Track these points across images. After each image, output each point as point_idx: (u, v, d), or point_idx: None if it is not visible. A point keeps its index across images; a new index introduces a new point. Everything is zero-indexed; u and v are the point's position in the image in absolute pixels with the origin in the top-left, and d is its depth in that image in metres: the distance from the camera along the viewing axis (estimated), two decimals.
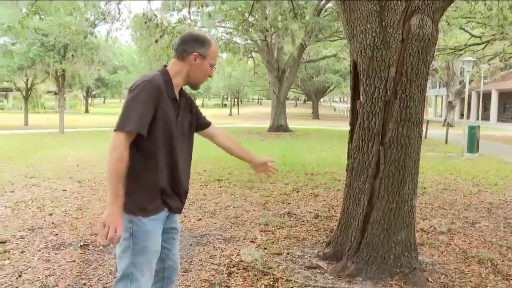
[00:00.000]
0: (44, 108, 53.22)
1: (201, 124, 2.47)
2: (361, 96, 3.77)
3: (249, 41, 23.75)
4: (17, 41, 20.23)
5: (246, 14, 14.96)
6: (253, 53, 27.04)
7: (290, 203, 6.54)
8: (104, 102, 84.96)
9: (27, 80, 26.40)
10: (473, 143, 13.48)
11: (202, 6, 11.95)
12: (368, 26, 3.61)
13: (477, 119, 40.09)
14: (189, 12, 11.46)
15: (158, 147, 2.12)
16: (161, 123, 2.09)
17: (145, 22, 11.31)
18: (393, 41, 3.56)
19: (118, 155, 1.99)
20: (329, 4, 20.07)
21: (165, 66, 2.25)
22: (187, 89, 2.39)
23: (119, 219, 2.03)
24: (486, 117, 41.99)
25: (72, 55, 18.12)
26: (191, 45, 2.21)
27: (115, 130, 2.02)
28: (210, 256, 4.14)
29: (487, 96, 40.69)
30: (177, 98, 2.22)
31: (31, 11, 8.88)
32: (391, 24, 3.57)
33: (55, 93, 44.98)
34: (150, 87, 2.05)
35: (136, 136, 2.04)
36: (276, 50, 23.15)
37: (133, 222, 2.10)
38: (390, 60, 3.57)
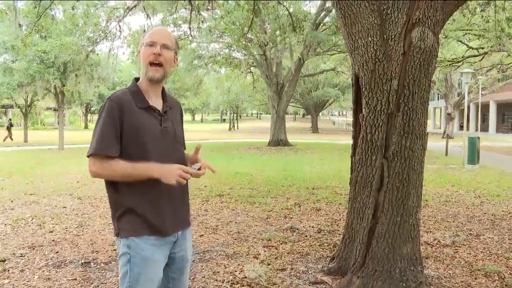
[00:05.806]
0: (44, 124, 53.37)
1: None
2: (363, 109, 3.76)
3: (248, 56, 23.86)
4: (17, 59, 20.30)
5: (246, 29, 15.04)
6: (252, 68, 27.16)
7: (292, 217, 6.49)
8: None
9: (27, 97, 26.48)
10: (473, 155, 13.46)
11: (202, 22, 12.01)
12: (370, 39, 3.62)
13: (476, 130, 40.18)
14: (190, 28, 11.51)
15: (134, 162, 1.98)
16: (130, 138, 1.97)
17: None
18: (395, 54, 3.56)
19: (104, 174, 1.96)
20: (327, 19, 20.20)
21: (136, 79, 2.13)
22: (181, 97, 2.24)
23: (166, 167, 1.94)
24: (485, 128, 42.08)
25: (76, 74, 18.19)
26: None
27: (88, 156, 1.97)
28: (213, 273, 4.09)
29: (485, 107, 40.83)
30: (153, 105, 2.05)
31: (33, 29, 8.91)
32: (392, 37, 3.57)
33: (55, 110, 45.14)
34: (108, 105, 1.97)
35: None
36: (275, 65, 23.24)
37: (131, 247, 1.96)
38: (392, 73, 3.57)
